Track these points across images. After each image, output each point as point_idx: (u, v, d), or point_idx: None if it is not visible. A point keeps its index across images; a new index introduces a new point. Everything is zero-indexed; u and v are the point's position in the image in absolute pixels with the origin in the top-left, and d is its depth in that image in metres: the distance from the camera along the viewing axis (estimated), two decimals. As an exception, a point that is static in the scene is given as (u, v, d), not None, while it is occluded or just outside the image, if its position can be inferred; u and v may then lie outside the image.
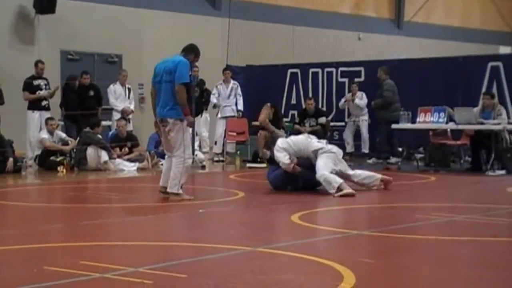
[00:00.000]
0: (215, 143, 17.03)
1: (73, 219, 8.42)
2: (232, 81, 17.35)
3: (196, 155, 14.81)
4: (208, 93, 16.91)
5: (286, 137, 11.55)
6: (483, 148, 14.00)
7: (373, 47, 23.90)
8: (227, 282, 5.07)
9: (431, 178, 13.04)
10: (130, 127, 15.78)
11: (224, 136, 16.98)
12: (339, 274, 5.23)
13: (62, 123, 15.56)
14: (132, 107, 16.22)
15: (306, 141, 10.64)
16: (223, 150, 16.97)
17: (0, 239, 6.78)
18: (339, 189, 9.99)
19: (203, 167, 14.87)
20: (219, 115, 17.15)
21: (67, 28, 17.70)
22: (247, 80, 18.86)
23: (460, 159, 15.28)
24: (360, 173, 10.84)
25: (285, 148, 10.48)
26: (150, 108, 10.20)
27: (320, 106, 17.54)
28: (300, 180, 10.52)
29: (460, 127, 13.98)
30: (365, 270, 5.54)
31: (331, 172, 10.20)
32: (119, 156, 14.53)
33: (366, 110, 16.89)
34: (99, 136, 14.48)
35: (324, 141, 10.94)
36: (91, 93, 15.46)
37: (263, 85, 18.68)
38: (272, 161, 10.78)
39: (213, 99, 17.02)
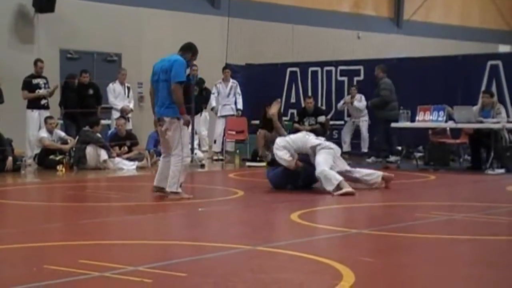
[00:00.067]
0: (215, 142, 17.04)
1: (72, 218, 8.42)
2: (231, 80, 17.35)
3: (196, 154, 14.82)
4: (208, 92, 16.91)
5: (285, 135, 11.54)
6: (483, 146, 14.00)
7: (372, 45, 23.87)
8: (227, 281, 5.07)
9: (430, 177, 13.04)
10: (129, 126, 15.77)
11: (224, 135, 16.99)
12: (339, 273, 5.22)
13: (61, 122, 15.55)
14: (131, 106, 16.21)
15: (304, 138, 10.66)
16: (222, 149, 16.98)
17: (-1, 238, 6.79)
18: (339, 186, 9.98)
19: (202, 166, 14.87)
20: (218, 114, 17.16)
21: (67, 27, 17.69)
22: (246, 79, 18.87)
23: (459, 157, 15.28)
24: (359, 170, 10.87)
25: (284, 146, 10.48)
26: (149, 107, 10.22)
27: (319, 105, 17.54)
28: (302, 175, 10.51)
29: (460, 125, 13.99)
30: (365, 268, 5.54)
31: (331, 169, 10.20)
32: (118, 155, 14.52)
33: (365, 111, 16.90)
34: (99, 135, 14.48)
35: (323, 138, 10.96)
36: (91, 91, 15.45)
37: (262, 84, 18.68)
38: (272, 163, 10.77)
39: (212, 102, 17.04)
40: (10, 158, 13.31)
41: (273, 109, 11.83)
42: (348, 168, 10.72)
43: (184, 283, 5.06)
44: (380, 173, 10.95)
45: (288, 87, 18.85)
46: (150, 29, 19.35)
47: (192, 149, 13.90)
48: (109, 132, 15.62)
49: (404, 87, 15.94)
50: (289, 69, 18.96)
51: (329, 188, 10.03)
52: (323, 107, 17.61)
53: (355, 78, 17.79)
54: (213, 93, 17.08)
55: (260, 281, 5.13)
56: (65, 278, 5.05)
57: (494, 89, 15.10)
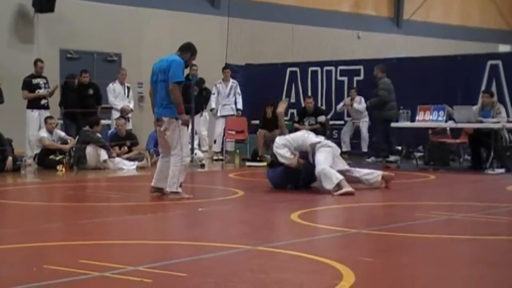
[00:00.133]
0: (215, 141, 17.04)
1: (72, 218, 8.42)
2: (231, 80, 17.36)
3: (196, 153, 14.82)
4: (208, 91, 16.92)
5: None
6: (483, 146, 14.00)
7: (372, 45, 23.88)
8: (227, 280, 5.07)
9: (430, 176, 13.03)
10: (129, 126, 15.76)
11: (224, 135, 16.99)
12: (339, 273, 5.22)
13: (61, 121, 15.55)
14: (131, 106, 16.21)
15: (304, 136, 10.67)
16: (222, 149, 16.98)
17: (-1, 238, 6.79)
18: (339, 186, 9.98)
19: (202, 165, 14.86)
20: (218, 114, 17.16)
21: (67, 27, 17.69)
22: (246, 79, 18.86)
23: (459, 157, 15.28)
24: (359, 170, 10.88)
25: (284, 144, 10.49)
26: (149, 107, 10.24)
27: (319, 104, 17.55)
28: (303, 174, 10.50)
29: (460, 125, 13.98)
30: (365, 268, 5.54)
31: (331, 167, 10.20)
32: (118, 155, 14.52)
33: (366, 113, 16.91)
34: (98, 135, 14.47)
35: (322, 137, 10.97)
36: (91, 91, 15.45)
37: (262, 84, 18.67)
38: (272, 164, 10.77)
39: (212, 104, 17.05)
40: (10, 158, 13.31)
41: (281, 108, 11.89)
42: (348, 167, 10.73)
43: (184, 283, 5.06)
44: (379, 173, 10.95)
45: (288, 87, 18.85)
46: (150, 29, 19.35)
47: (192, 149, 13.90)
48: (109, 132, 15.62)
49: (404, 87, 15.93)
50: (289, 69, 18.95)
51: (329, 186, 10.01)
52: (323, 107, 17.61)
53: (355, 78, 17.79)
54: (213, 93, 17.08)
55: (260, 281, 5.13)
56: (65, 278, 5.05)
57: (494, 89, 15.10)
